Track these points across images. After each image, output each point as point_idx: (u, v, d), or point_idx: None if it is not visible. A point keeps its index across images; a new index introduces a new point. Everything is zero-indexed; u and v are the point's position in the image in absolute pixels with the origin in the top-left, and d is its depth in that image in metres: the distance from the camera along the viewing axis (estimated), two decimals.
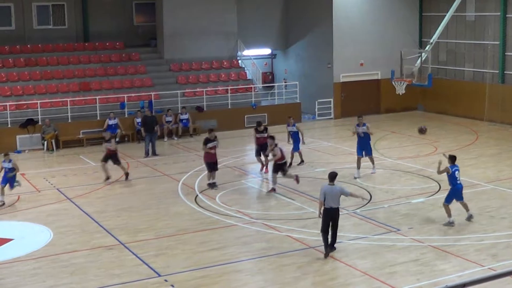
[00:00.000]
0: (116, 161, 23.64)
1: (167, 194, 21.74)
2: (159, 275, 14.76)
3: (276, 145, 21.39)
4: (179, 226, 18.33)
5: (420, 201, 20.23)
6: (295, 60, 39.92)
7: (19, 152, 29.80)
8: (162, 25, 36.22)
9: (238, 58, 38.40)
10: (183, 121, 32.67)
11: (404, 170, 24.05)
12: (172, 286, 14.14)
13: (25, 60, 34.23)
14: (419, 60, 30.13)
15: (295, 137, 25.22)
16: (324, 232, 15.49)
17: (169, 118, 32.24)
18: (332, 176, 15.60)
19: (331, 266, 14.98)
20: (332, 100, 36.96)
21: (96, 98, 32.19)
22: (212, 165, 22.33)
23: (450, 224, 17.56)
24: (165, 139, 31.80)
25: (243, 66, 38.27)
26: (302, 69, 39.13)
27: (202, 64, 36.93)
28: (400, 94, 30.23)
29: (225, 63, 37.42)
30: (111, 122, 31.05)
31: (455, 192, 17.64)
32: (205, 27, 36.56)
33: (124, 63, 35.81)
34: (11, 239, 17.64)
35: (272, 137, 21.95)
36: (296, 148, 25.24)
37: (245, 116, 34.64)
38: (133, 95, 33.44)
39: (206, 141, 22.22)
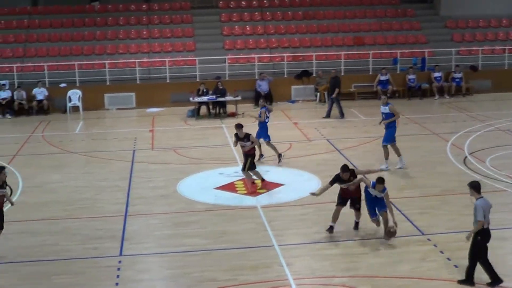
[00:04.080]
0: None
1: (435, 153, 21.46)
2: (422, 234, 14.71)
3: None
4: (445, 186, 18.04)
5: None
6: None
7: (293, 102, 31.16)
8: None
9: None
10: (456, 80, 31.86)
11: None
12: (435, 246, 14.03)
13: (303, 13, 35.40)
14: None
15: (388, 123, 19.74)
16: (486, 257, 12.24)
17: (437, 74, 31.64)
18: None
19: None
20: None
21: (369, 53, 32.44)
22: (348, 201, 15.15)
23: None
24: (436, 97, 31.32)
25: None
26: None
27: (479, 22, 35.60)
28: None
29: (504, 21, 35.72)
30: (383, 77, 31.23)
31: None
32: None
33: (399, 19, 35.64)
34: (281, 184, 18.57)
35: None
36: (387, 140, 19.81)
37: None
38: (406, 51, 33.22)
39: (335, 180, 15.04)
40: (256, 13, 35.60)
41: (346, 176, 14.70)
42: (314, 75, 31.66)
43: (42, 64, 31.51)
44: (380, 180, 14.21)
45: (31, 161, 21.94)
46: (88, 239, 14.85)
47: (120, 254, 13.98)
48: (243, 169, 18.09)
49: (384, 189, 14.21)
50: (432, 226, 15.16)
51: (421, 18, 36.06)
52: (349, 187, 14.80)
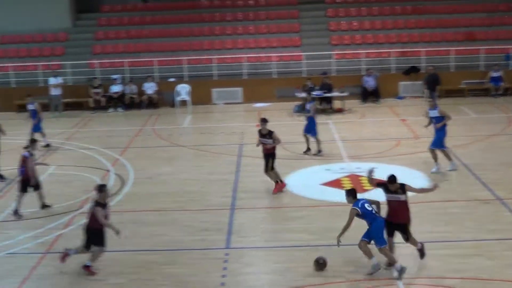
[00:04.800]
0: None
1: None
2: None
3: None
4: None
5: None
6: None
7: (400, 98, 30.66)
8: None
9: None
10: None
11: None
12: None
13: (412, 8, 34.83)
14: None
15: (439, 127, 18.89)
16: None
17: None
18: None
19: None
20: None
21: (480, 48, 31.53)
22: None
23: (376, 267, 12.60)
24: None
25: None
26: None
27: None
28: None
29: None
30: (495, 74, 30.47)
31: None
32: None
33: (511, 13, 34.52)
34: None
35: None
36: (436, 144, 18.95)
37: None
38: None
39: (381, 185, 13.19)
40: (363, 8, 35.23)
41: (393, 187, 12.77)
42: (422, 71, 31.07)
43: (152, 59, 32.27)
44: (348, 193, 12.82)
45: (142, 154, 22.52)
46: (196, 230, 15.10)
47: (227, 247, 14.13)
48: (265, 171, 17.66)
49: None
50: None
51: None
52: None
